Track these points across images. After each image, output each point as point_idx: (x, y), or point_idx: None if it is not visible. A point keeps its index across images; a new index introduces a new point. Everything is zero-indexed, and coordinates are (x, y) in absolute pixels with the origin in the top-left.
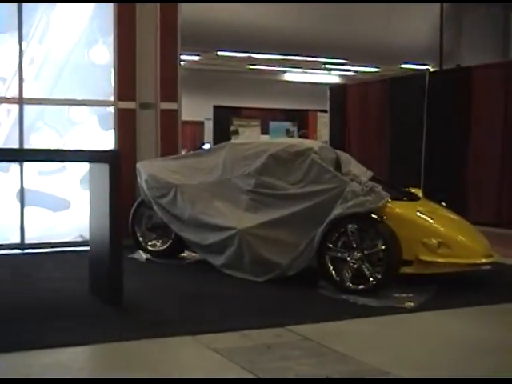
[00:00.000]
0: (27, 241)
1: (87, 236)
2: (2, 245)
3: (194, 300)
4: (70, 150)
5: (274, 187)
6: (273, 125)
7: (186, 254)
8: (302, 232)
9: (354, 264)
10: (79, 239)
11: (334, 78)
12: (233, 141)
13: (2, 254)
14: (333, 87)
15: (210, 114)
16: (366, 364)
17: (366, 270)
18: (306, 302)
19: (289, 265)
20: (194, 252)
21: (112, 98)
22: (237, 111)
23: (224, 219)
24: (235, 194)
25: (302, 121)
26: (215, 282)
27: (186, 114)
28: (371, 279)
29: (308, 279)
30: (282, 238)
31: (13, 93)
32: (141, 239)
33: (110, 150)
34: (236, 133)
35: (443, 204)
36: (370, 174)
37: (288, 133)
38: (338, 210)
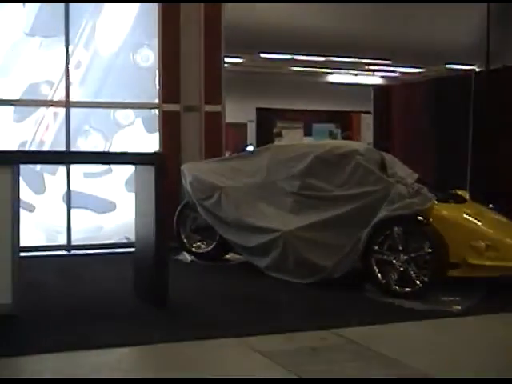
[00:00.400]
0: (74, 242)
1: (133, 238)
2: (49, 246)
3: (238, 302)
4: (115, 153)
5: (318, 189)
6: (316, 127)
7: (230, 255)
8: (347, 234)
9: (400, 267)
10: (125, 241)
11: (377, 79)
12: (276, 143)
13: (50, 255)
14: (376, 88)
15: (253, 116)
16: (412, 367)
17: (412, 272)
18: (352, 304)
19: (334, 267)
20: (239, 254)
21: (157, 101)
22: (280, 113)
23: (268, 221)
24: (279, 196)
25: (345, 122)
26: (259, 284)
27: (229, 116)
28: (417, 282)
29: (353, 282)
30: (327, 240)
31: (59, 96)
32: (185, 241)
33: (155, 153)
34: (279, 135)
35: (490, 206)
36: (415, 175)
37: (331, 135)
38: (383, 212)
